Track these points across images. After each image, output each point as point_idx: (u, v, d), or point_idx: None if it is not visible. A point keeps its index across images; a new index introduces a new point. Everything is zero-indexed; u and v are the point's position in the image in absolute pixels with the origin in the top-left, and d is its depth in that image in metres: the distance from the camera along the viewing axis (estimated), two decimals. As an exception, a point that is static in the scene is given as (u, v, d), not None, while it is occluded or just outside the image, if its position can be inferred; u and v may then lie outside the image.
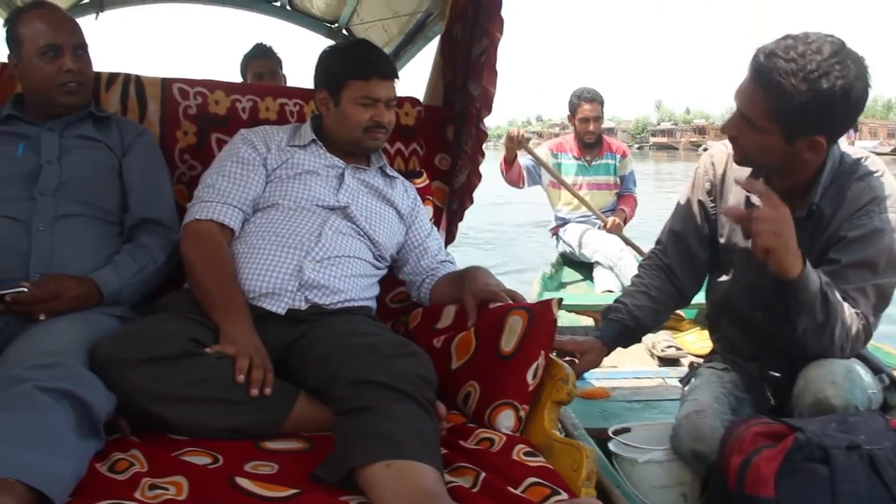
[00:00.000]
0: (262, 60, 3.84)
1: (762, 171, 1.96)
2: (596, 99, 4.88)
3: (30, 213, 1.91)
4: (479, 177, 2.69)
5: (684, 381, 2.31)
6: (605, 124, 5.06)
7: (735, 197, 2.06)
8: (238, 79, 3.85)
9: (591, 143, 4.96)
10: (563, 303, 3.93)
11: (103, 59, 2.19)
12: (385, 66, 2.17)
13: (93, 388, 1.48)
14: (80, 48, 2.09)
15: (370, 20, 4.05)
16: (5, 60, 2.20)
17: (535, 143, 5.62)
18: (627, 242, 4.81)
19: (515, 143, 4.69)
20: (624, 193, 5.11)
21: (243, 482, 1.38)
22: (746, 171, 1.99)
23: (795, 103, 1.72)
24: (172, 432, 1.60)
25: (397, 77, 2.21)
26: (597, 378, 3.04)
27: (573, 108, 4.91)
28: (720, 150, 2.14)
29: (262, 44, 3.96)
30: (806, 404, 1.80)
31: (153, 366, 1.57)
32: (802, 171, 1.90)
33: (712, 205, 2.14)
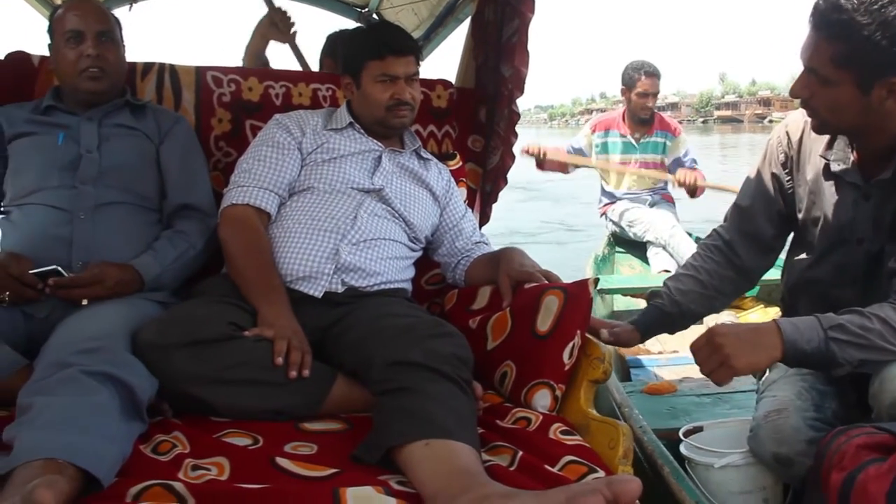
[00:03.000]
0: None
1: (843, 138, 1.82)
2: (656, 74, 4.68)
3: (71, 202, 1.95)
4: (512, 158, 2.69)
5: (758, 374, 2.13)
6: (669, 99, 4.91)
7: (814, 168, 1.89)
8: (281, 63, 3.77)
9: (645, 118, 4.75)
10: (619, 286, 3.88)
11: (141, 50, 2.21)
12: (398, 43, 2.17)
13: (136, 372, 1.51)
14: (105, 35, 2.12)
15: (400, 4, 4.03)
16: (43, 54, 2.25)
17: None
18: (716, 188, 4.54)
19: (534, 156, 4.62)
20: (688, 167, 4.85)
21: (284, 462, 1.39)
22: (825, 139, 1.86)
23: (862, 41, 1.55)
24: (213, 414, 1.63)
25: (415, 52, 2.20)
26: (658, 366, 2.97)
27: (631, 82, 4.68)
28: (796, 119, 1.96)
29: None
30: (884, 406, 1.61)
31: (194, 349, 1.59)
32: (887, 129, 1.70)
33: (788, 178, 1.98)
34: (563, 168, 4.88)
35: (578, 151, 4.91)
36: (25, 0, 3.45)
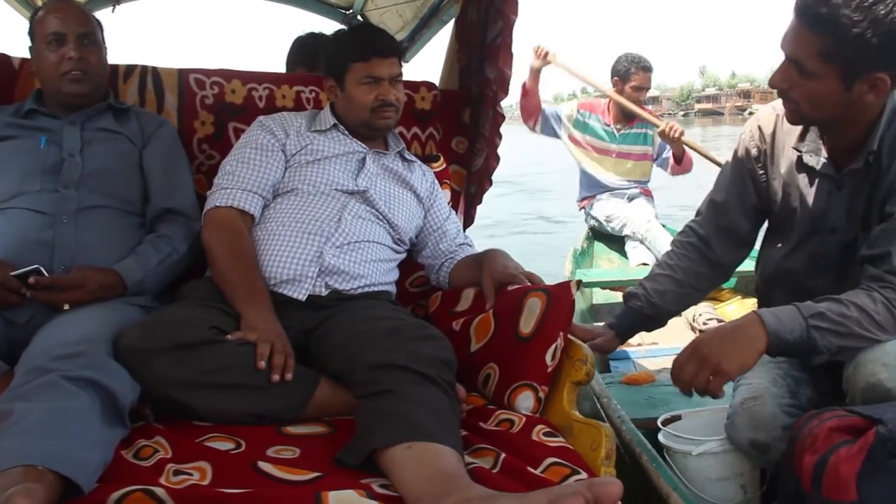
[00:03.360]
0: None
1: (814, 129, 1.84)
2: (650, 69, 4.71)
3: (54, 206, 1.94)
4: (497, 159, 2.69)
5: None
6: (651, 93, 4.91)
7: (787, 160, 1.91)
8: (259, 66, 3.77)
9: (631, 113, 4.76)
10: (598, 280, 3.93)
11: (124, 53, 2.21)
12: (382, 44, 2.18)
13: (117, 377, 1.50)
14: (86, 37, 2.11)
15: (384, 5, 4.03)
16: (24, 57, 2.24)
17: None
18: (695, 149, 4.57)
19: (540, 59, 4.55)
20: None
21: (266, 466, 1.39)
22: (797, 131, 1.88)
23: (852, 37, 1.54)
24: (196, 419, 1.62)
25: (398, 54, 2.22)
26: (638, 356, 2.99)
27: (626, 75, 4.68)
28: (767, 113, 1.98)
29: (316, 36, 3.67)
30: (858, 389, 1.64)
31: (176, 353, 1.58)
32: (861, 120, 1.73)
33: (761, 172, 2.00)
34: (530, 116, 4.84)
35: (554, 114, 4.93)
36: (5, 1, 3.43)
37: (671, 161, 4.75)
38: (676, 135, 4.48)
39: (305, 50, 3.42)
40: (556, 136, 5.02)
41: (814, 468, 1.45)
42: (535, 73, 4.67)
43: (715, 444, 1.90)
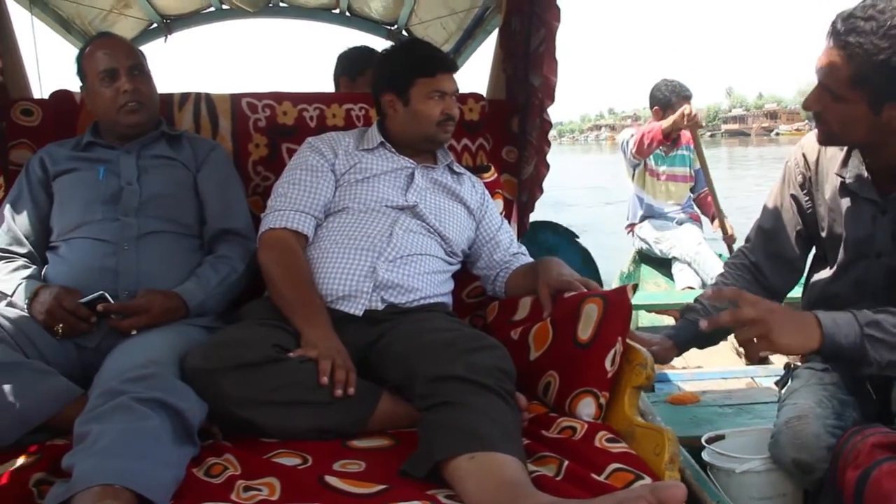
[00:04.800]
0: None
1: (857, 155, 1.84)
2: (690, 97, 4.70)
3: (115, 234, 2.02)
4: (546, 167, 2.69)
5: (780, 383, 2.14)
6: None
7: (831, 186, 1.91)
8: (310, 84, 3.83)
9: (674, 138, 4.78)
10: (644, 302, 3.91)
11: (177, 80, 2.28)
12: (448, 61, 2.26)
13: (185, 397, 1.54)
14: (136, 69, 2.18)
15: (428, 19, 4.07)
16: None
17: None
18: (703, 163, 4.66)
19: (688, 123, 4.45)
20: (700, 194, 5.00)
21: (333, 480, 1.41)
22: (840, 157, 1.88)
23: (877, 63, 1.59)
24: (262, 435, 1.66)
25: (456, 70, 2.27)
26: (683, 380, 2.97)
27: (666, 104, 4.66)
28: (812, 141, 1.97)
29: (370, 49, 3.77)
30: None
31: (240, 372, 1.62)
32: (894, 144, 1.74)
33: (807, 199, 2.01)
34: (648, 153, 4.76)
35: (631, 139, 4.85)
36: (63, 38, 3.55)
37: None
38: (695, 118, 4.41)
39: (349, 61, 3.51)
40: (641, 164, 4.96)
41: (856, 483, 1.46)
42: (676, 129, 4.56)
43: (758, 463, 1.89)
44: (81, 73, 2.20)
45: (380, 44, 4.43)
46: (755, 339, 1.63)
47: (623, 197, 5.02)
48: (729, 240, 4.77)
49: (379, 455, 1.59)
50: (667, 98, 4.70)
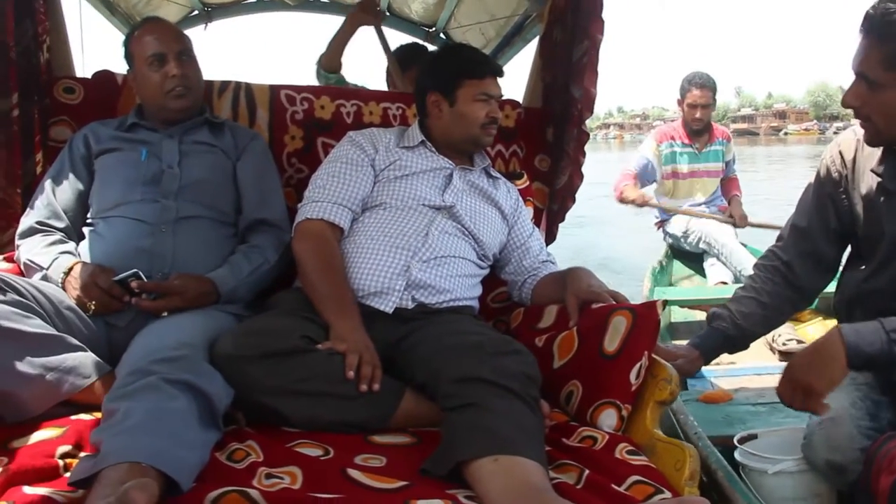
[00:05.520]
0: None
1: (894, 152, 1.83)
2: (707, 85, 4.70)
3: (154, 216, 2.04)
4: (580, 177, 2.69)
5: None
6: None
7: (867, 184, 1.91)
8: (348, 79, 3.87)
9: (699, 129, 4.79)
10: (677, 298, 3.92)
11: (215, 69, 2.30)
12: (497, 66, 2.29)
13: (213, 381, 1.55)
14: (185, 54, 2.20)
15: (467, 24, 4.08)
16: (125, 73, 2.35)
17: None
18: (762, 226, 4.66)
19: (640, 203, 4.76)
20: (730, 176, 4.97)
21: (355, 473, 1.42)
22: (876, 155, 1.87)
23: None
24: (285, 425, 1.67)
25: (503, 76, 2.29)
26: (716, 376, 2.95)
27: (683, 93, 4.74)
28: (848, 139, 1.98)
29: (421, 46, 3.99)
30: None
31: (269, 361, 1.64)
32: None
33: (843, 196, 1.99)
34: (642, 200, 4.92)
35: (645, 167, 4.92)
36: (108, 20, 3.59)
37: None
38: (740, 218, 4.68)
39: (399, 56, 3.75)
40: (655, 180, 5.01)
41: (890, 488, 1.47)
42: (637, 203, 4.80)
43: (791, 464, 1.91)
44: (129, 55, 2.22)
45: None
46: (806, 401, 1.71)
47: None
48: (738, 221, 4.73)
49: (400, 451, 1.60)
50: (683, 87, 4.76)
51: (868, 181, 1.91)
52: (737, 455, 2.02)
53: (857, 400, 1.86)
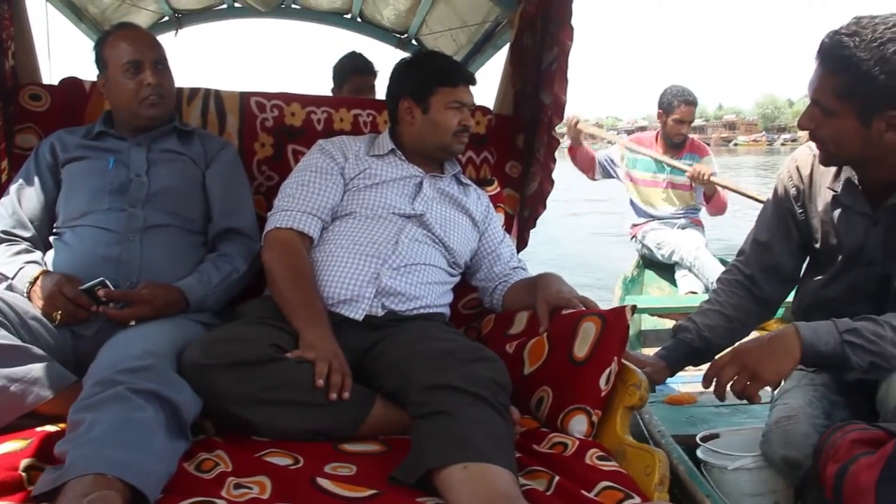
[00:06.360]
0: (363, 76, 3.88)
1: (848, 169, 1.90)
2: (694, 103, 4.80)
3: (121, 224, 2.02)
4: (551, 184, 2.70)
5: (774, 384, 2.23)
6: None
7: (824, 199, 1.98)
8: (316, 88, 3.93)
9: (678, 143, 4.85)
10: (647, 306, 3.98)
11: (184, 75, 2.28)
12: (469, 73, 2.30)
13: (181, 391, 1.54)
14: (160, 63, 2.19)
15: (439, 30, 4.08)
16: (93, 80, 2.32)
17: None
18: (727, 188, 4.65)
19: (573, 132, 4.79)
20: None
21: (324, 482, 1.42)
22: (832, 171, 1.94)
23: (861, 75, 1.65)
24: (255, 434, 1.66)
25: (476, 84, 2.30)
26: (682, 382, 2.99)
27: (669, 108, 4.77)
28: (804, 153, 2.05)
29: (361, 57, 3.98)
30: (890, 409, 1.71)
31: (237, 370, 1.62)
32: (888, 160, 1.79)
33: (801, 211, 2.05)
34: (587, 169, 5.00)
35: (611, 163, 5.03)
36: (76, 26, 3.55)
37: (703, 200, 4.83)
38: (706, 178, 4.56)
39: (336, 70, 3.92)
40: (614, 177, 5.10)
41: (835, 476, 1.53)
42: (575, 140, 4.85)
43: (750, 461, 1.97)
44: (101, 61, 2.19)
45: (389, 52, 4.46)
46: (748, 385, 1.74)
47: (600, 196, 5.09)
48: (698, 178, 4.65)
49: (370, 460, 1.59)
50: (669, 102, 4.79)
51: (824, 196, 1.98)
52: (699, 453, 2.08)
53: (813, 399, 1.94)
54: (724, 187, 4.63)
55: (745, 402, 1.80)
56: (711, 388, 1.81)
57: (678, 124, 4.78)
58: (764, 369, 1.73)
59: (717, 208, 4.82)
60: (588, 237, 11.79)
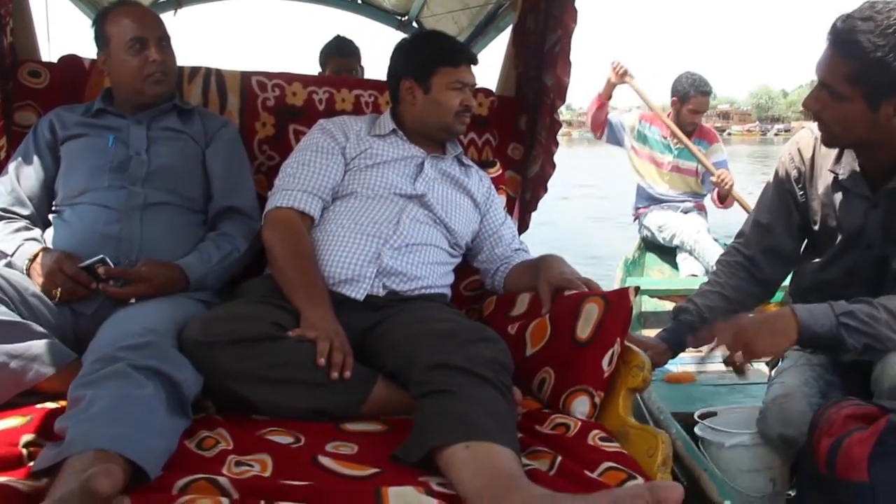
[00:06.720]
0: (341, 58, 3.88)
1: (850, 152, 1.91)
2: (709, 92, 4.79)
3: (121, 202, 2.00)
4: (553, 166, 2.69)
5: (771, 364, 2.27)
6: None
7: (824, 182, 1.99)
8: (314, 69, 3.93)
9: (691, 131, 4.84)
10: (648, 288, 4.01)
11: (181, 56, 2.27)
12: (471, 53, 2.28)
13: (182, 368, 1.53)
14: (164, 40, 2.17)
15: (441, 12, 4.06)
16: (93, 58, 2.30)
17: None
18: (742, 204, 4.61)
19: (617, 78, 4.69)
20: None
21: (326, 461, 1.41)
22: (833, 154, 1.95)
23: (874, 61, 1.66)
24: (255, 412, 1.65)
25: (478, 64, 2.28)
26: (682, 363, 3.01)
27: (684, 96, 4.76)
28: (806, 137, 2.06)
29: (342, 38, 3.98)
30: (884, 389, 1.74)
31: (238, 347, 1.61)
32: (892, 144, 1.81)
33: (801, 192, 2.07)
34: (598, 126, 4.97)
35: (621, 128, 5.01)
36: (74, 4, 3.53)
37: (715, 197, 4.85)
38: (727, 186, 4.59)
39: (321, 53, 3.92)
40: (620, 144, 5.09)
41: (829, 451, 1.55)
42: (611, 88, 4.77)
43: (746, 438, 2.02)
44: (102, 37, 2.16)
45: (390, 34, 4.44)
46: (740, 354, 1.78)
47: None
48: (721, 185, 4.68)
49: (371, 439, 1.59)
50: (685, 90, 4.76)
51: (825, 178, 1.99)
52: (697, 430, 2.13)
53: (810, 379, 1.98)
54: (741, 202, 4.63)
55: (740, 379, 1.90)
56: (703, 350, 1.90)
57: (693, 114, 4.79)
58: (759, 346, 1.77)
59: (726, 205, 4.84)
60: (584, 222, 11.85)
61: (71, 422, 1.33)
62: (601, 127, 4.96)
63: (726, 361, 1.83)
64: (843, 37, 1.71)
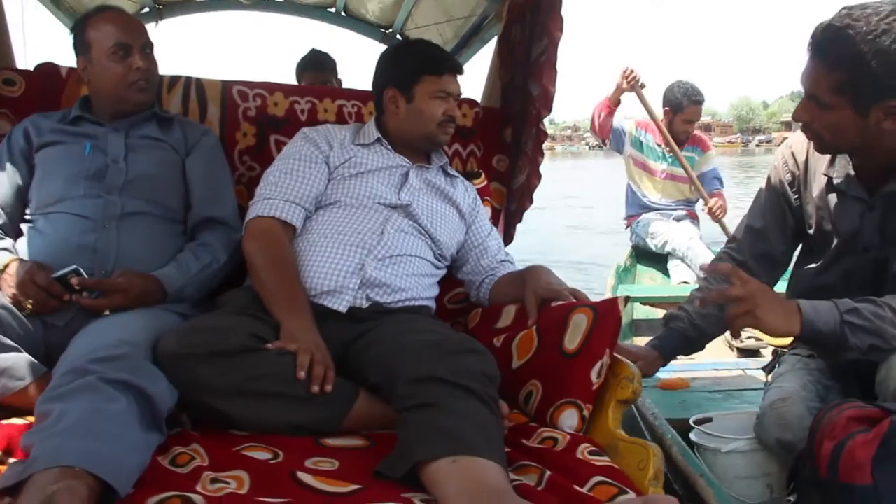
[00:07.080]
0: (315, 73, 3.88)
1: (844, 155, 1.90)
2: (702, 101, 4.81)
3: (97, 211, 1.95)
4: (538, 177, 2.67)
5: (768, 368, 2.24)
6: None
7: (819, 185, 1.97)
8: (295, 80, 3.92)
9: (684, 140, 4.86)
10: (640, 295, 4.00)
11: (163, 65, 2.22)
12: (455, 62, 2.23)
13: (155, 381, 1.48)
14: (148, 47, 2.13)
15: (425, 24, 4.04)
16: (70, 66, 2.25)
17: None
18: (726, 230, 4.65)
19: (627, 85, 4.65)
20: (712, 191, 4.93)
21: (305, 477, 1.36)
22: (827, 157, 1.94)
23: (858, 68, 1.64)
24: (233, 427, 1.60)
25: (463, 74, 2.25)
26: (674, 370, 2.99)
27: (677, 106, 4.77)
28: (800, 140, 2.03)
29: (317, 52, 3.98)
30: (889, 392, 1.69)
31: (215, 360, 1.56)
32: (885, 146, 1.77)
33: (795, 196, 2.05)
34: (604, 132, 4.93)
35: (622, 132, 4.99)
36: (50, 11, 3.48)
37: (704, 206, 4.84)
38: (719, 214, 4.66)
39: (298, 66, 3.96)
40: (620, 151, 5.08)
41: (831, 454, 1.51)
42: (620, 94, 4.74)
43: (743, 443, 1.98)
44: (83, 43, 2.10)
45: (373, 47, 4.42)
46: (743, 314, 1.71)
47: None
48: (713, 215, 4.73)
49: (353, 454, 1.54)
50: (678, 100, 4.77)
51: (819, 181, 1.98)
52: (692, 436, 2.09)
53: (808, 383, 1.95)
54: (726, 232, 4.63)
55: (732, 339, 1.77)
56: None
57: (686, 123, 4.81)
58: (766, 313, 1.69)
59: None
60: (568, 231, 11.90)
61: (37, 437, 1.28)
62: (609, 133, 4.95)
63: (727, 318, 1.77)
64: (825, 46, 1.69)
